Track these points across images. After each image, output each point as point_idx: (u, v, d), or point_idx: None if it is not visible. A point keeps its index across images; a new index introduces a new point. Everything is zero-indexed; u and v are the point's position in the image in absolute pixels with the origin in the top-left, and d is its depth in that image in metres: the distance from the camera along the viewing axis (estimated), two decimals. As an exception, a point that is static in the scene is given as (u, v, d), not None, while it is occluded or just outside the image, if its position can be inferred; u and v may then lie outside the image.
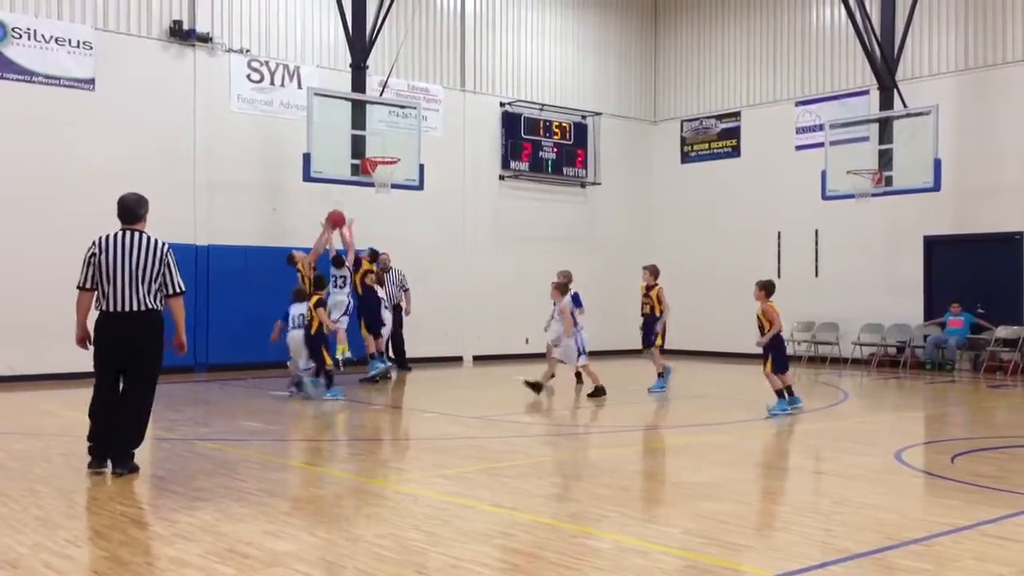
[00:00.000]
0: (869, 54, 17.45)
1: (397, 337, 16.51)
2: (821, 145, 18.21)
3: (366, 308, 14.48)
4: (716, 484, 7.33)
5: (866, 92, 19.00)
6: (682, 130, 22.83)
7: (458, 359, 19.66)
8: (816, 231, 19.98)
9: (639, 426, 11.44)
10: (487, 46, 20.46)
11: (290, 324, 13.05)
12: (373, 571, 4.98)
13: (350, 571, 5.00)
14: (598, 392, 12.86)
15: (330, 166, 15.84)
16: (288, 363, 13.69)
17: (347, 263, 14.19)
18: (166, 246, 7.51)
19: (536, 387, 13.26)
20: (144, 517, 6.31)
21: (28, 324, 14.46)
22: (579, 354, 13.02)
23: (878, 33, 17.55)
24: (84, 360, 7.42)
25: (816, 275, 20.07)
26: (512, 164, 20.63)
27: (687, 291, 21.33)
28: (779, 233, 20.62)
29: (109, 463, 7.43)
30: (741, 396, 11.60)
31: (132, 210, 7.51)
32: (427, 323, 17.99)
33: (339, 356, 13.65)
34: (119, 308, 7.25)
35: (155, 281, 7.36)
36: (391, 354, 16.32)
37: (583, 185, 21.90)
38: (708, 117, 22.29)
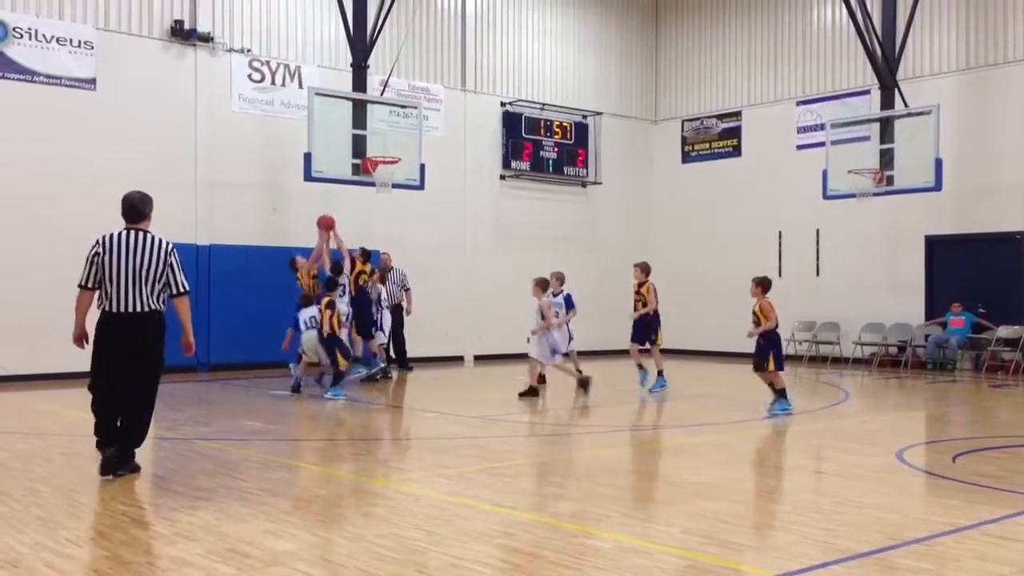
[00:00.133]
0: (870, 54, 17.45)
1: (398, 337, 16.51)
2: (822, 145, 18.21)
3: (357, 309, 14.34)
4: (716, 484, 7.33)
5: (867, 92, 18.99)
6: (683, 130, 22.83)
7: (459, 359, 19.66)
8: (817, 231, 19.97)
9: (639, 426, 11.44)
10: (488, 46, 20.46)
11: (303, 327, 13.06)
12: (374, 570, 4.98)
13: (351, 570, 5.00)
14: (583, 384, 12.98)
15: (331, 166, 15.85)
16: (291, 365, 13.70)
17: (344, 268, 14.13)
18: (170, 246, 7.41)
19: (532, 392, 13.10)
20: (145, 516, 6.31)
21: (29, 324, 14.46)
22: (553, 353, 12.95)
23: (879, 33, 17.55)
24: (84, 360, 7.39)
25: (817, 275, 20.06)
26: (513, 164, 20.63)
27: (688, 291, 21.38)
28: (780, 233, 20.62)
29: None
30: (741, 396, 11.60)
31: (137, 209, 7.41)
32: (428, 323, 17.99)
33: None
34: (121, 308, 7.18)
35: (159, 281, 7.27)
36: (392, 354, 16.32)
37: (584, 185, 21.90)
38: (709, 117, 22.28)
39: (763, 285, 11.38)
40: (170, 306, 7.42)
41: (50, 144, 15.09)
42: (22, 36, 14.94)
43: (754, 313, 11.39)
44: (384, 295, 15.37)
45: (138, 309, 7.20)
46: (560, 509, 6.45)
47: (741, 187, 21.28)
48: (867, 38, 17.33)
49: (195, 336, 7.57)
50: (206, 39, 16.66)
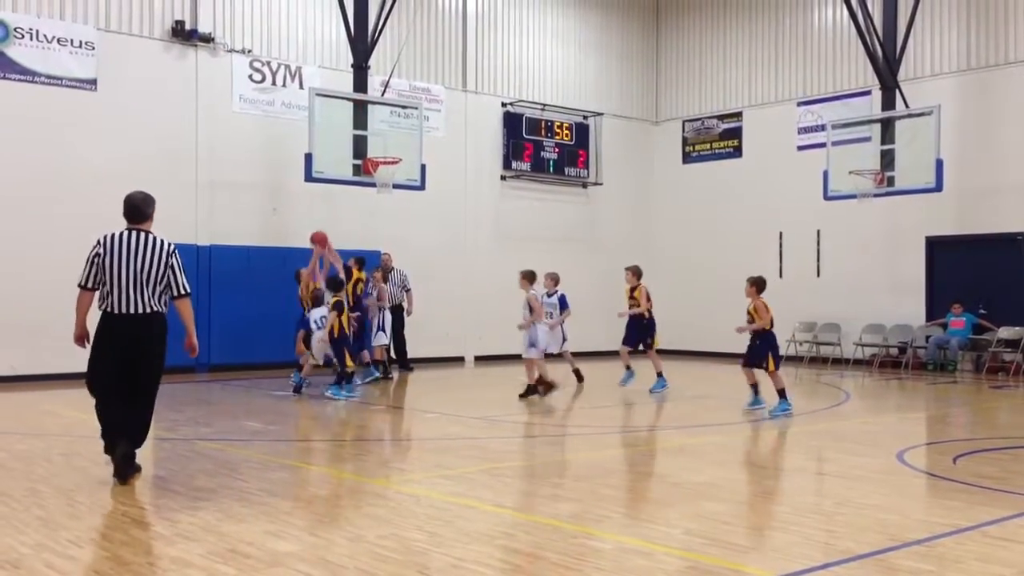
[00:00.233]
0: (871, 54, 17.46)
1: (399, 338, 16.50)
2: (823, 145, 18.23)
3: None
4: (717, 484, 7.32)
5: (868, 92, 18.99)
6: (684, 130, 22.83)
7: (460, 359, 19.66)
8: (818, 231, 19.97)
9: (639, 427, 11.44)
10: (489, 46, 20.46)
11: (314, 327, 13.07)
12: (374, 571, 4.98)
13: (351, 571, 4.99)
14: (530, 391, 12.71)
15: (332, 166, 15.86)
16: (301, 360, 13.70)
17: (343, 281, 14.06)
18: (172, 247, 7.33)
19: (529, 391, 13.11)
20: (146, 517, 6.30)
21: (29, 324, 14.46)
22: (531, 346, 12.89)
23: (880, 33, 17.56)
24: (85, 361, 7.37)
25: (818, 275, 20.06)
26: (514, 164, 20.63)
27: (688, 291, 21.39)
28: (781, 233, 20.62)
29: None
30: (742, 397, 11.59)
31: (139, 209, 7.33)
32: (429, 323, 17.99)
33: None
34: (122, 310, 7.12)
35: (160, 283, 7.20)
36: (393, 354, 16.32)
37: (584, 185, 21.90)
38: (710, 117, 22.28)
39: (758, 285, 11.40)
40: (172, 307, 7.37)
41: (51, 144, 15.10)
42: (23, 36, 14.95)
43: (749, 313, 11.43)
44: (387, 296, 15.38)
45: (140, 311, 7.14)
46: (561, 510, 6.45)
47: (742, 188, 21.28)
48: (868, 39, 17.33)
49: (196, 337, 7.53)
50: (207, 40, 16.66)
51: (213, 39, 16.75)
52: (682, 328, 21.09)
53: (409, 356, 16.96)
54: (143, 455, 7.70)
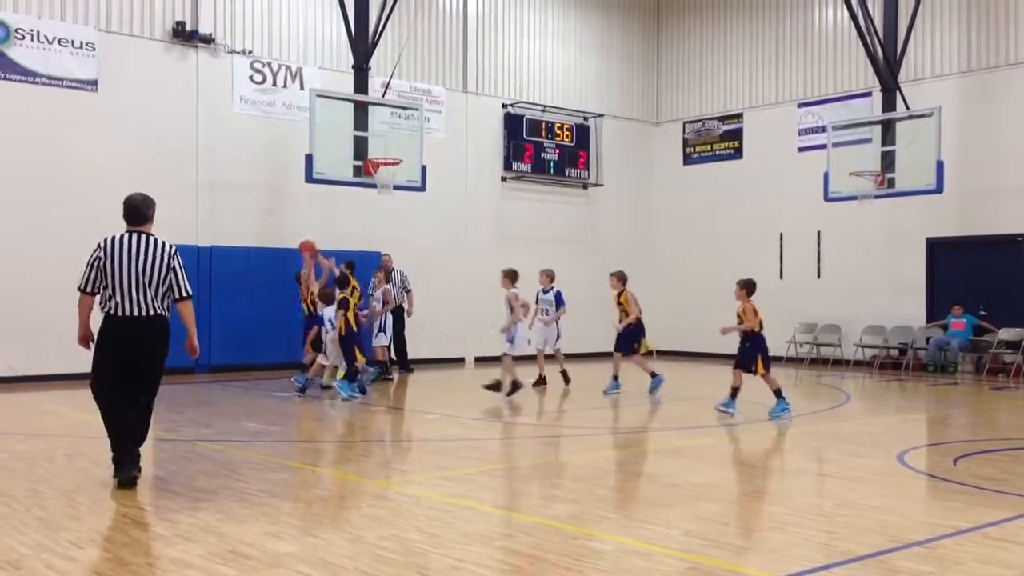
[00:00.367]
0: (872, 56, 17.46)
1: (399, 338, 16.50)
2: (823, 147, 18.23)
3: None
4: (717, 486, 7.33)
5: (868, 94, 18.99)
6: (684, 132, 22.83)
7: (460, 360, 19.66)
8: (818, 233, 19.97)
9: (639, 428, 11.44)
10: (489, 47, 20.47)
11: (328, 325, 13.08)
12: (375, 572, 4.98)
13: (351, 572, 4.99)
14: (494, 387, 12.85)
15: (332, 167, 15.87)
16: (306, 360, 13.71)
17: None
18: (173, 248, 7.28)
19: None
20: (146, 518, 6.31)
21: (30, 324, 14.47)
22: (507, 342, 12.86)
23: (880, 35, 17.56)
24: (86, 361, 7.35)
25: (818, 277, 20.05)
26: (514, 165, 20.63)
27: (689, 293, 21.39)
28: (781, 235, 20.62)
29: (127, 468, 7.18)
30: (741, 398, 11.58)
31: (139, 211, 7.25)
32: (429, 324, 17.98)
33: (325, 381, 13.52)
34: (125, 312, 7.04)
35: (162, 285, 7.14)
36: (393, 355, 16.32)
37: (585, 187, 21.90)
38: (710, 119, 22.28)
39: (747, 287, 11.41)
40: (173, 309, 7.32)
41: (51, 145, 15.10)
42: (24, 37, 14.95)
43: (738, 316, 11.45)
44: (391, 297, 15.39)
45: (143, 313, 7.07)
46: (560, 511, 6.45)
47: (742, 189, 21.28)
48: (868, 40, 17.33)
49: (197, 338, 7.49)
50: (207, 40, 16.67)
51: (214, 40, 16.76)
52: (682, 329, 21.11)
53: (409, 357, 16.96)
54: (143, 456, 7.69)
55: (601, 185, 22.00)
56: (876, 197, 17.13)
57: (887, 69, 17.39)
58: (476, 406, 12.30)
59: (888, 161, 17.06)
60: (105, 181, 14.59)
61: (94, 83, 15.57)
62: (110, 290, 7.06)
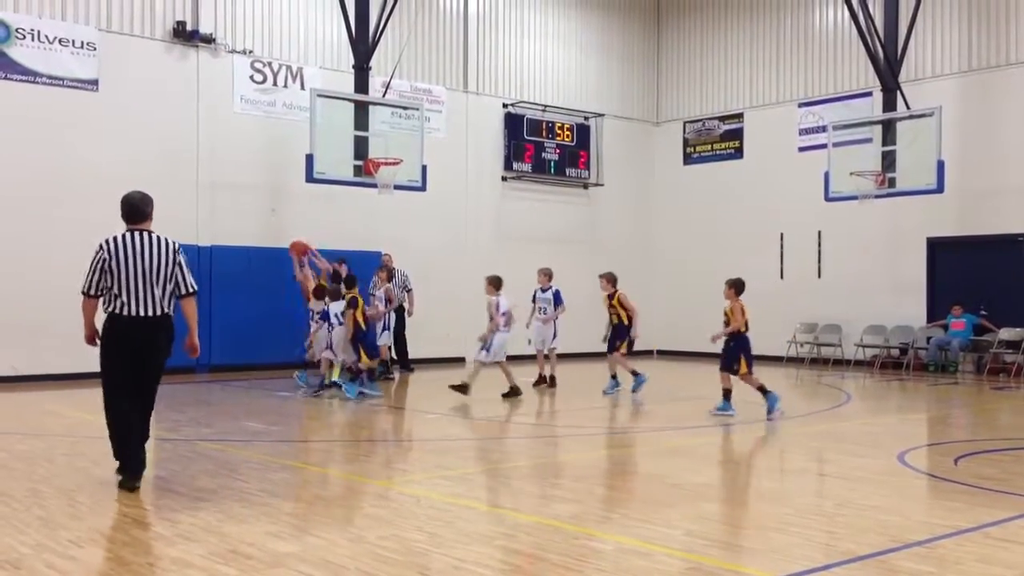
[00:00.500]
0: (872, 55, 17.46)
1: (400, 338, 16.51)
2: (824, 147, 18.22)
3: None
4: (717, 485, 7.33)
5: (869, 94, 18.99)
6: (684, 131, 22.83)
7: (460, 360, 19.64)
8: (819, 233, 19.97)
9: (638, 427, 11.43)
10: (490, 47, 20.46)
11: (335, 321, 13.07)
12: (375, 572, 4.98)
13: (352, 572, 4.99)
14: (462, 388, 12.78)
15: (333, 167, 15.87)
16: (296, 374, 13.75)
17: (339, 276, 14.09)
18: (177, 245, 7.21)
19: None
20: (146, 518, 6.30)
21: (30, 324, 14.47)
22: (482, 349, 12.84)
23: (881, 34, 17.56)
24: (87, 361, 7.34)
25: (819, 276, 20.05)
26: (515, 165, 20.63)
27: (689, 293, 21.38)
28: (782, 235, 20.61)
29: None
30: (741, 398, 11.59)
31: (139, 208, 7.15)
32: (429, 324, 17.98)
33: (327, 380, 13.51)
34: (132, 313, 6.93)
35: (169, 282, 7.05)
36: (394, 355, 16.32)
37: (585, 186, 21.90)
38: (711, 118, 22.28)
39: (736, 287, 11.40)
40: (177, 307, 7.25)
41: (52, 145, 15.10)
42: (24, 37, 14.95)
43: (725, 314, 11.44)
44: (393, 296, 15.40)
45: (151, 313, 6.97)
46: (561, 511, 6.45)
47: (743, 189, 21.28)
48: (869, 40, 17.33)
49: (197, 336, 7.44)
50: (208, 40, 16.67)
51: (214, 40, 16.76)
52: (682, 329, 21.11)
53: (410, 357, 16.96)
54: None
55: (601, 185, 21.99)
56: (877, 197, 17.12)
57: (888, 69, 17.39)
58: (476, 406, 12.30)
59: (889, 161, 17.05)
60: (106, 181, 14.57)
61: (95, 83, 15.57)
62: (116, 289, 6.94)
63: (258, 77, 17.29)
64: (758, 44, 21.38)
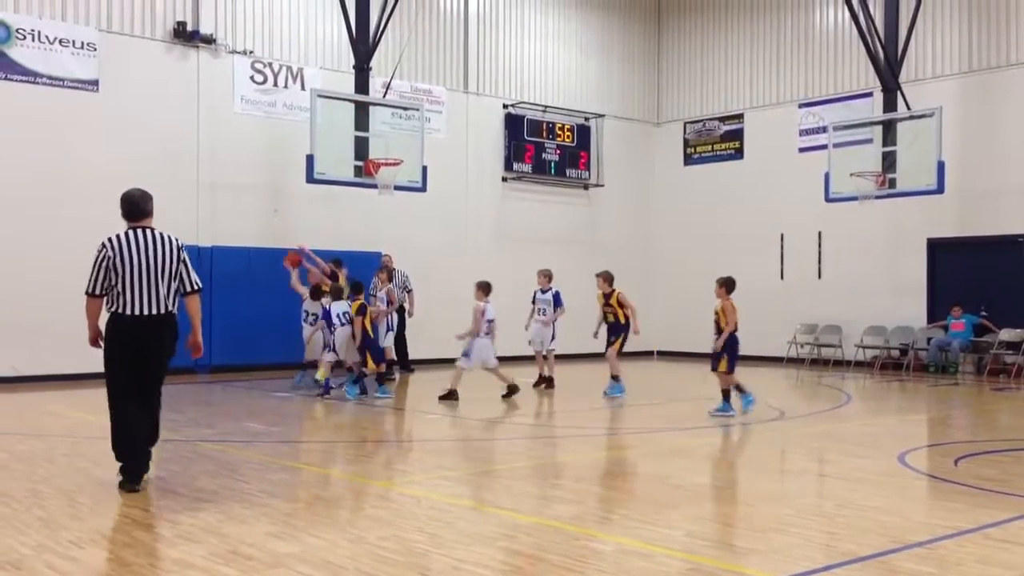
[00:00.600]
0: (872, 56, 17.46)
1: (400, 339, 16.50)
2: (824, 147, 18.23)
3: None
4: (718, 486, 7.33)
5: (869, 94, 18.99)
6: (685, 132, 22.83)
7: (460, 361, 19.63)
8: (819, 233, 19.97)
9: (639, 428, 11.43)
10: (490, 48, 20.47)
11: (337, 321, 13.07)
12: (376, 573, 4.98)
13: (352, 572, 4.99)
14: (450, 395, 12.64)
15: (333, 168, 15.87)
16: (329, 357, 13.73)
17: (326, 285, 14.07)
18: (180, 242, 7.18)
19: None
20: (147, 518, 6.30)
21: (31, 324, 14.48)
22: (464, 354, 12.79)
23: (881, 35, 17.56)
24: (87, 361, 7.32)
25: (819, 277, 20.06)
26: (515, 166, 20.63)
27: (689, 293, 21.36)
28: (782, 235, 20.62)
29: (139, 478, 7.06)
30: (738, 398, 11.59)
31: (139, 206, 7.09)
32: (429, 324, 17.96)
33: (319, 378, 13.50)
34: (137, 311, 6.88)
35: (174, 279, 7.01)
36: (394, 355, 16.30)
37: (586, 187, 21.90)
38: (711, 119, 22.28)
39: (727, 286, 11.43)
40: (180, 306, 7.19)
41: (52, 145, 15.11)
42: (25, 37, 14.96)
43: (716, 313, 11.45)
44: (394, 297, 15.40)
45: (155, 312, 6.92)
46: (562, 511, 6.45)
47: (743, 190, 21.28)
48: (869, 40, 17.33)
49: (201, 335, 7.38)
50: (208, 41, 16.67)
51: (215, 40, 16.76)
52: (682, 329, 21.11)
53: (410, 357, 16.95)
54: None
55: (602, 185, 22.00)
56: (877, 198, 17.13)
57: (888, 69, 17.39)
58: (477, 406, 12.30)
59: (889, 161, 17.06)
60: (106, 181, 14.53)
61: (95, 83, 15.57)
62: (119, 288, 6.88)
63: (258, 77, 17.30)
64: (758, 45, 21.38)
